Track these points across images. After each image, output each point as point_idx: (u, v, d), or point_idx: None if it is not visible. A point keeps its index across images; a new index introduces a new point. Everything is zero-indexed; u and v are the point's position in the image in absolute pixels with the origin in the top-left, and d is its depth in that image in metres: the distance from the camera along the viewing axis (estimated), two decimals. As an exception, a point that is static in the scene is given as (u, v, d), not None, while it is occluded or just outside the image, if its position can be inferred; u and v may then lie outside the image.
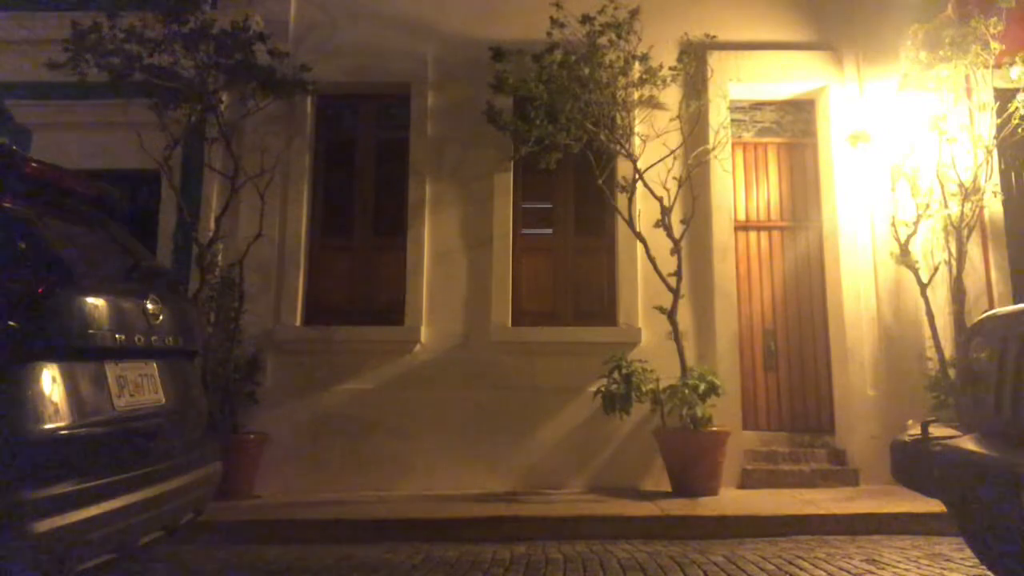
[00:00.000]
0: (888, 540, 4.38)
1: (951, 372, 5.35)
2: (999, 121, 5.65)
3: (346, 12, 6.61)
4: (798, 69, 6.56)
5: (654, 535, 4.54)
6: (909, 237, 5.80)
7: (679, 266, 5.76)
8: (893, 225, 5.87)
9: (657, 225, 5.81)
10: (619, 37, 5.81)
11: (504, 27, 6.36)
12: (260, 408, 5.85)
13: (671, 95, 6.13)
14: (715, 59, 6.34)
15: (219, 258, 5.95)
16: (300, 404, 6.01)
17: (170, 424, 2.87)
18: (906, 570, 3.68)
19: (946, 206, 5.72)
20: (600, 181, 5.94)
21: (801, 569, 3.72)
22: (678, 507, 5.01)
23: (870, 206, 6.27)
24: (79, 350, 2.44)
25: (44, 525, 2.05)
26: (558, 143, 5.83)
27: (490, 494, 5.55)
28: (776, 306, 6.56)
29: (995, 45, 5.49)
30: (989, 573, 3.23)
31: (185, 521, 2.88)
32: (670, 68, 5.99)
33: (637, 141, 6.03)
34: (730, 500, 5.26)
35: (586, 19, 5.77)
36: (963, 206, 5.62)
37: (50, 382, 2.25)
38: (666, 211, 5.80)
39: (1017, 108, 5.50)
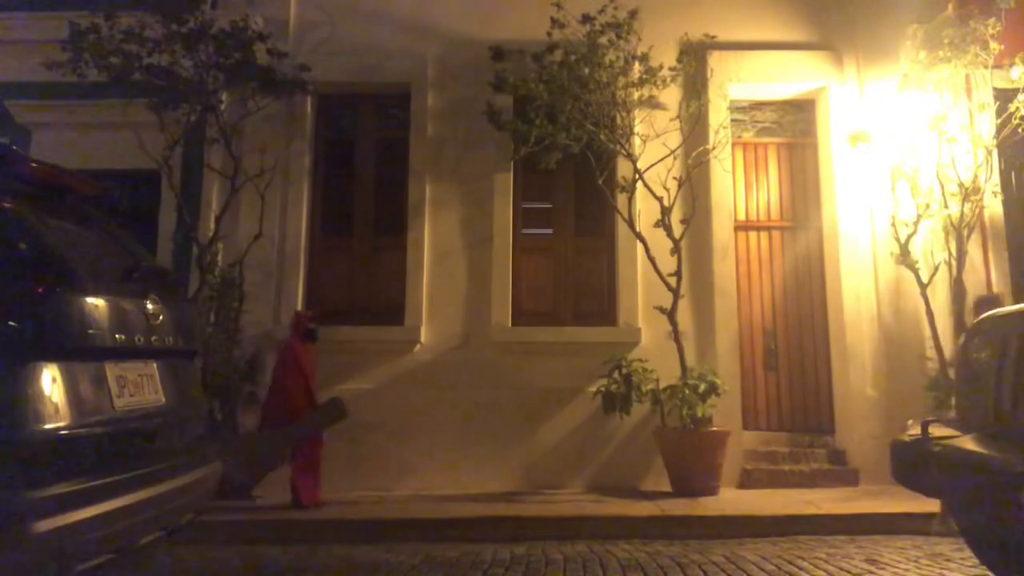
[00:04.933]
0: (888, 540, 4.38)
1: (951, 372, 5.35)
2: (999, 121, 5.65)
3: (346, 12, 6.61)
4: (798, 69, 6.56)
5: (654, 535, 4.55)
6: (909, 237, 5.80)
7: (679, 266, 5.76)
8: (893, 225, 5.86)
9: (657, 225, 5.81)
10: (619, 37, 5.81)
11: (504, 27, 6.36)
12: (260, 408, 5.83)
13: (671, 95, 6.13)
14: (715, 59, 6.33)
15: (219, 258, 5.94)
16: (300, 404, 6.00)
17: (170, 424, 2.86)
18: (906, 570, 3.68)
19: (946, 206, 5.71)
20: (600, 181, 5.94)
21: (801, 569, 3.72)
22: (678, 507, 5.02)
23: (870, 206, 6.27)
24: (79, 350, 2.43)
25: (44, 525, 2.05)
26: (558, 143, 5.83)
27: (490, 494, 5.55)
28: (776, 306, 6.55)
29: (994, 46, 5.48)
30: (989, 573, 3.23)
31: (185, 521, 2.88)
32: (670, 68, 5.99)
33: (637, 141, 6.03)
34: (730, 500, 5.26)
35: (586, 19, 5.77)
36: (963, 206, 5.62)
37: (50, 382, 2.24)
38: (666, 211, 5.80)
39: (1017, 108, 5.50)
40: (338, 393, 6.01)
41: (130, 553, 2.55)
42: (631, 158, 5.91)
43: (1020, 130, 5.52)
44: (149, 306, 2.81)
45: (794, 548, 4.21)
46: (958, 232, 5.63)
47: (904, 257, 5.79)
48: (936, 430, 2.98)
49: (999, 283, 6.02)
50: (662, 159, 5.96)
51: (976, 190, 5.62)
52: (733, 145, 6.50)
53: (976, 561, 3.34)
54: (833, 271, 6.38)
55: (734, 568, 3.74)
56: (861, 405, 6.04)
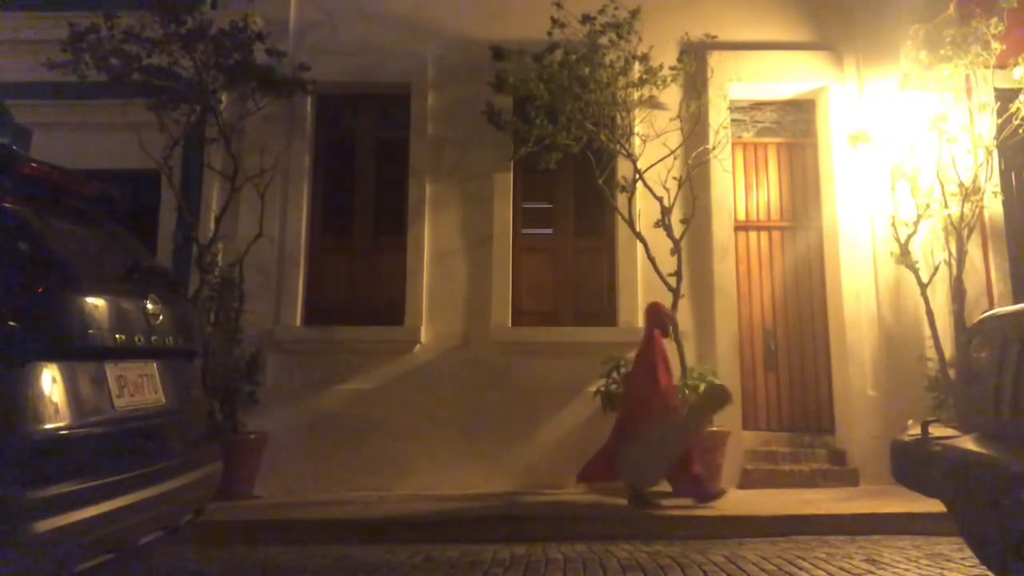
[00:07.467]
0: (888, 540, 4.38)
1: (951, 372, 5.35)
2: (999, 121, 5.65)
3: (346, 12, 6.61)
4: (798, 69, 6.56)
5: (654, 535, 4.54)
6: (909, 237, 5.80)
7: (679, 266, 5.76)
8: (893, 225, 5.87)
9: (657, 225, 5.81)
10: (619, 37, 5.81)
11: (504, 27, 6.36)
12: (260, 408, 5.84)
13: (671, 95, 6.13)
14: (715, 59, 6.33)
15: (219, 258, 5.94)
16: (300, 404, 6.01)
17: (170, 424, 2.87)
18: (906, 570, 3.68)
19: (946, 206, 5.71)
20: (600, 181, 5.94)
21: (801, 569, 3.72)
22: (678, 507, 5.01)
23: (870, 206, 6.27)
24: (79, 350, 2.44)
25: (44, 525, 2.05)
26: (558, 143, 5.84)
27: (490, 494, 5.55)
28: (776, 306, 6.55)
29: (996, 45, 5.48)
30: (989, 573, 3.23)
31: (185, 521, 2.88)
32: (670, 68, 5.99)
33: (637, 141, 6.03)
34: (730, 500, 5.25)
35: (586, 19, 5.77)
36: (963, 206, 5.62)
37: (50, 382, 2.24)
38: (666, 211, 5.80)
39: (1018, 108, 5.50)
40: (339, 393, 6.04)
41: (130, 553, 2.55)
42: (631, 158, 5.91)
43: (1021, 130, 5.52)
44: (149, 306, 2.81)
45: (794, 548, 4.20)
46: (958, 232, 5.63)
47: (904, 257, 5.80)
48: (936, 430, 2.98)
49: (999, 283, 6.03)
50: (662, 159, 5.96)
51: (976, 190, 5.61)
52: (733, 145, 6.50)
53: (976, 561, 3.34)
54: (833, 271, 6.38)
55: (734, 568, 3.74)
56: (861, 405, 6.04)
